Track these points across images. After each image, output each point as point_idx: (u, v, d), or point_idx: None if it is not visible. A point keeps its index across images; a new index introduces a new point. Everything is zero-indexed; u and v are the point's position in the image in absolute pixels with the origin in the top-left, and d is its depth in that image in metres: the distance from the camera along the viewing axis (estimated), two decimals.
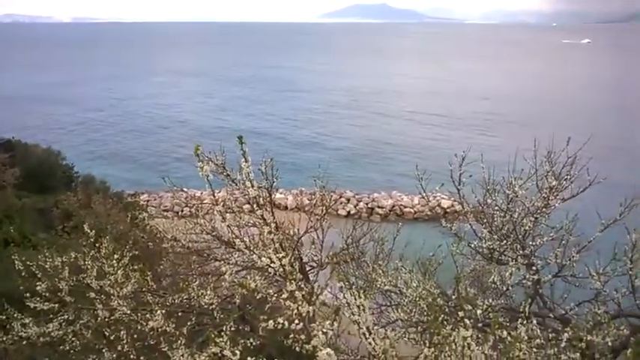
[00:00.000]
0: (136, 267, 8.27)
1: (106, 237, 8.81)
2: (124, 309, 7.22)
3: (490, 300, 7.27)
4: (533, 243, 7.83)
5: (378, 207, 41.74)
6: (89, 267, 7.97)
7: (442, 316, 4.90)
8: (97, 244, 8.31)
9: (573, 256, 7.57)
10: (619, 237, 6.88)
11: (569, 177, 7.68)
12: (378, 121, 77.30)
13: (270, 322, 3.98)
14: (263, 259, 4.60)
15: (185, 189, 10.21)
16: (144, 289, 8.13)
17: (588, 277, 7.21)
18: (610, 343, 6.72)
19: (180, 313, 7.75)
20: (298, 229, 9.40)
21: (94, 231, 8.58)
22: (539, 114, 77.85)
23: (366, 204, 42.07)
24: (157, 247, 11.74)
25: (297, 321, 3.88)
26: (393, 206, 41.57)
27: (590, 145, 8.96)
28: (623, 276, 6.88)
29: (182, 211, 37.62)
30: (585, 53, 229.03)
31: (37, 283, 7.78)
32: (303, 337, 3.91)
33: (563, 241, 7.72)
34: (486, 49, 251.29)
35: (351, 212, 40.69)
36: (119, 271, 7.70)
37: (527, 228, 7.82)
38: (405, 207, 41.17)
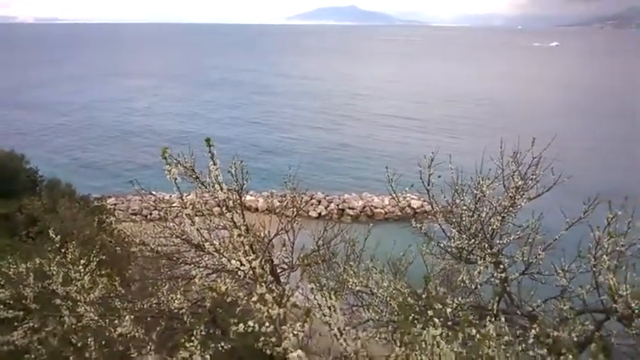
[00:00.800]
0: (103, 272, 8.14)
1: (72, 242, 8.64)
2: (92, 315, 7.09)
3: (459, 298, 7.36)
4: (501, 242, 7.96)
5: (349, 208, 41.85)
6: (55, 273, 7.81)
7: (413, 315, 4.94)
8: (62, 250, 8.14)
9: (539, 254, 7.72)
10: (583, 235, 7.04)
11: (534, 177, 7.83)
12: (345, 123, 77.58)
13: (241, 325, 3.95)
14: (233, 262, 4.57)
15: (154, 192, 10.06)
16: (112, 295, 8.00)
17: (554, 275, 7.36)
18: (576, 338, 6.88)
19: (149, 318, 7.66)
20: (269, 231, 9.37)
21: (59, 236, 8.40)
22: (508, 114, 79.45)
23: (337, 205, 42.13)
24: (125, 252, 11.56)
25: (267, 323, 3.86)
26: (364, 207, 41.73)
27: (554, 146, 9.15)
28: (587, 273, 7.03)
29: (151, 214, 37.10)
30: (554, 55, 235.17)
31: (0, 291, 7.57)
32: (274, 339, 3.90)
33: (530, 240, 7.86)
34: (462, 52, 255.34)
35: (322, 214, 40.68)
36: (86, 277, 7.57)
37: (494, 227, 7.94)
38: (376, 208, 41.38)
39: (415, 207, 39.04)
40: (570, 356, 6.10)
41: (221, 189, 5.09)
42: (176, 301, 7.82)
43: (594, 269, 6.76)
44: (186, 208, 4.76)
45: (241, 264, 4.57)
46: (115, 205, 39.52)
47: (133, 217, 36.66)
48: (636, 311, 5.89)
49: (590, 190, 8.22)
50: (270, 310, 3.84)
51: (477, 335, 4.15)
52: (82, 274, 7.56)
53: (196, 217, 5.21)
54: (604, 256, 6.57)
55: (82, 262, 7.72)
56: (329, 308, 4.02)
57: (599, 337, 6.96)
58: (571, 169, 9.05)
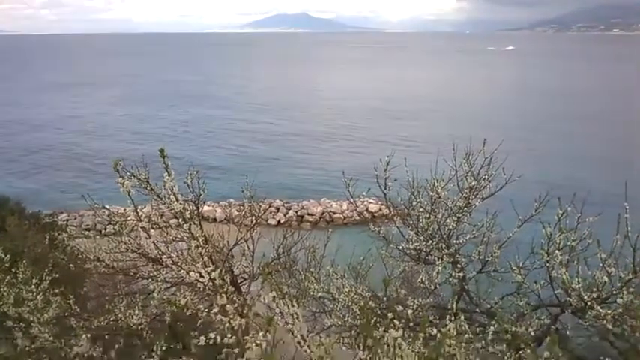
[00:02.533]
0: (57, 291, 7.88)
1: (22, 261, 8.33)
2: (46, 336, 6.86)
3: (420, 299, 7.45)
4: (457, 241, 8.11)
5: (308, 214, 41.85)
6: (5, 294, 7.50)
7: (374, 318, 4.98)
8: (13, 269, 7.84)
9: (495, 252, 7.91)
10: (536, 232, 7.24)
11: (487, 177, 8.01)
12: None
13: (202, 337, 3.90)
14: (192, 274, 4.50)
15: (107, 206, 9.80)
16: (67, 314, 7.76)
17: (510, 272, 7.55)
18: (533, 333, 7.07)
19: (107, 336, 7.44)
20: (228, 241, 9.28)
21: (9, 255, 8.08)
22: (467, 117, 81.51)
23: (296, 212, 42.07)
24: (80, 269, 11.21)
25: (229, 334, 3.82)
26: (323, 213, 41.81)
27: (505, 146, 9.40)
28: (541, 268, 7.24)
29: (105, 229, 36.06)
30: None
31: None
32: (236, 350, 3.86)
33: (485, 238, 8.05)
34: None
35: (281, 221, 40.54)
36: (39, 296, 7.31)
37: (450, 227, 8.08)
38: (335, 213, 41.52)
39: (373, 211, 39.34)
40: (528, 350, 6.27)
41: (176, 200, 5.01)
42: (134, 317, 7.65)
43: (547, 264, 6.96)
44: (141, 221, 4.67)
45: (200, 275, 4.51)
46: (68, 221, 38.38)
47: (87, 232, 35.56)
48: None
49: (540, 187, 8.48)
50: (231, 321, 3.80)
51: (438, 334, 4.21)
52: (35, 294, 7.30)
53: (153, 230, 5.11)
54: (556, 251, 6.78)
55: (34, 281, 7.46)
56: (291, 315, 4.01)
57: (555, 330, 7.18)
58: (522, 169, 9.32)
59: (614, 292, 6.31)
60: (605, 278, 6.31)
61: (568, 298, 6.68)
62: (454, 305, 6.07)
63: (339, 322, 7.86)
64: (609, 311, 6.18)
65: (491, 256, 7.96)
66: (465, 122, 74.24)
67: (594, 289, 6.34)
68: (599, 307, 6.25)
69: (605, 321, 6.20)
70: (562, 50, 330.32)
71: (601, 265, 6.36)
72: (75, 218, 39.93)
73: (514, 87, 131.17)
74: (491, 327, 6.07)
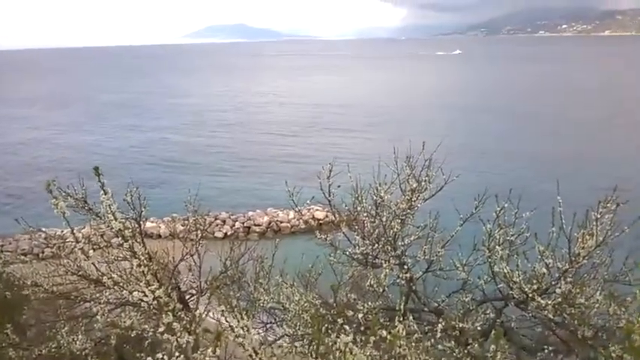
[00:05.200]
0: None
1: None
2: None
3: (370, 303, 7.52)
4: (403, 243, 8.24)
5: (255, 225, 41.57)
6: None
7: (326, 325, 4.98)
8: None
9: (439, 252, 8.09)
10: (477, 229, 7.46)
11: (427, 178, 8.19)
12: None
13: (149, 358, 3.79)
14: (135, 293, 4.37)
15: (44, 228, 9.39)
16: (4, 344, 7.37)
17: (454, 270, 7.75)
18: (480, 328, 7.28)
19: None
20: (173, 257, 9.07)
21: None
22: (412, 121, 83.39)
23: (243, 223, 41.70)
24: (17, 296, 10.68)
25: (177, 353, 3.73)
26: (270, 223, 41.63)
27: (444, 147, 9.66)
28: (484, 264, 7.46)
29: (43, 252, 34.74)
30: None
31: None
32: None
33: (429, 239, 8.21)
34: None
35: (228, 233, 40.07)
36: None
37: (395, 230, 8.20)
38: (282, 222, 41.42)
39: (320, 218, 39.49)
40: (476, 345, 6.45)
41: (115, 219, 4.86)
42: (78, 343, 7.36)
43: (489, 260, 7.19)
44: (79, 242, 4.50)
45: (144, 295, 4.39)
46: (2, 246, 36.60)
47: (23, 257, 34.03)
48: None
49: (479, 186, 8.75)
50: (179, 339, 3.71)
51: (388, 336, 4.26)
52: None
53: (93, 251, 4.94)
54: (497, 247, 7.01)
55: None
56: (242, 328, 3.96)
57: (500, 323, 7.41)
58: (462, 169, 9.60)
59: (553, 282, 6.59)
60: (544, 270, 6.57)
61: (511, 292, 6.91)
62: (402, 306, 6.15)
63: (291, 332, 7.83)
64: (550, 302, 6.44)
65: (436, 255, 8.13)
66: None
67: (534, 281, 6.59)
68: (539, 299, 6.50)
69: (546, 311, 6.45)
70: (506, 53, 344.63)
71: (539, 257, 6.63)
72: (10, 243, 38.16)
73: (469, 88, 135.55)
74: (439, 325, 6.20)
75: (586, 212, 6.36)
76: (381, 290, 7.73)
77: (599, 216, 6.30)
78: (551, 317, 6.53)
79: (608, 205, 6.39)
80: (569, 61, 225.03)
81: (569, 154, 60.27)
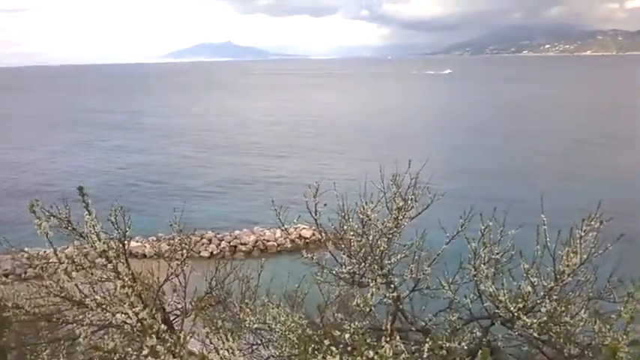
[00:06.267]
0: None
1: None
2: None
3: (357, 322, 7.46)
4: (390, 262, 8.21)
5: (241, 244, 41.37)
6: None
7: (312, 346, 4.94)
8: None
9: (426, 270, 8.08)
10: (462, 247, 7.48)
11: (413, 197, 8.21)
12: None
13: None
14: (118, 315, 4.31)
15: (27, 248, 9.28)
16: None
17: (441, 288, 7.74)
18: (466, 347, 7.25)
19: None
20: (158, 278, 8.98)
21: None
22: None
23: (229, 242, 41.49)
24: None
25: None
26: (256, 242, 41.45)
27: (430, 166, 9.72)
28: (470, 282, 7.47)
29: (26, 273, 34.25)
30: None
31: None
32: None
33: (416, 257, 8.21)
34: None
35: (214, 252, 39.84)
36: None
37: (382, 248, 8.18)
38: (268, 241, 41.27)
39: (307, 237, 39.39)
40: None
41: (99, 239, 4.80)
42: None
43: (475, 278, 7.19)
44: (62, 263, 4.44)
45: (128, 317, 4.32)
46: None
47: (5, 278, 33.50)
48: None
49: (465, 204, 8.79)
50: None
51: (375, 357, 4.23)
52: None
53: (76, 271, 4.87)
54: (482, 265, 7.03)
55: None
56: (227, 350, 3.91)
57: (487, 342, 7.39)
58: (448, 187, 9.65)
59: (539, 301, 6.60)
60: (529, 288, 6.59)
61: (497, 310, 6.91)
62: (389, 325, 6.12)
63: (277, 353, 7.75)
64: (535, 320, 6.45)
65: (423, 273, 8.12)
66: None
67: (520, 300, 6.60)
68: (525, 317, 6.51)
69: (532, 330, 6.45)
70: (496, 73, 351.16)
71: (525, 275, 6.65)
72: None
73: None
74: (427, 344, 6.17)
75: (570, 230, 6.42)
76: (368, 310, 7.69)
77: (582, 234, 6.36)
78: (537, 336, 6.53)
79: (592, 222, 6.45)
80: (558, 82, 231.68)
81: (555, 172, 61.14)
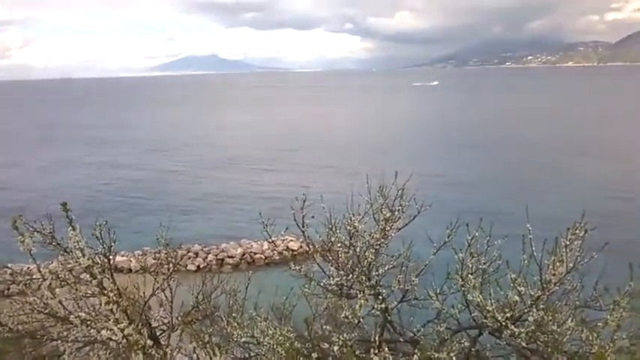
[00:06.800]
0: None
1: None
2: None
3: (345, 334, 7.43)
4: (377, 273, 8.21)
5: (228, 257, 41.08)
6: None
7: (301, 358, 4.91)
8: None
9: (413, 281, 8.09)
10: (450, 258, 7.49)
11: (400, 208, 8.23)
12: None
13: None
14: (103, 332, 4.24)
15: (10, 264, 9.13)
16: None
17: (429, 299, 7.74)
18: (455, 357, 7.23)
19: None
20: (144, 292, 8.89)
21: None
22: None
23: (216, 255, 41.17)
24: None
25: None
26: (244, 254, 41.20)
27: (417, 177, 9.74)
28: (457, 292, 7.47)
29: (8, 289, 33.59)
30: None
31: None
32: None
33: (404, 268, 8.22)
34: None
35: (201, 266, 39.50)
36: None
37: (370, 260, 8.18)
38: (256, 254, 41.04)
39: (294, 248, 39.28)
40: None
41: (83, 255, 4.75)
42: None
43: (463, 289, 7.20)
44: (45, 279, 4.37)
45: (113, 333, 4.26)
46: None
47: None
48: None
49: (452, 214, 8.82)
50: None
51: None
52: None
53: (61, 287, 4.80)
54: (469, 275, 7.04)
55: None
56: None
57: (476, 352, 7.40)
58: (433, 198, 9.68)
59: (526, 310, 6.63)
60: (517, 297, 6.62)
61: (484, 320, 6.92)
62: (377, 337, 6.10)
63: None
64: (523, 329, 6.47)
65: (411, 284, 8.13)
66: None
67: (507, 309, 6.63)
68: (513, 327, 6.53)
69: (520, 339, 6.47)
70: (483, 84, 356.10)
71: (512, 285, 6.68)
72: None
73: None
74: (415, 355, 6.15)
75: (555, 239, 6.46)
76: (357, 321, 7.66)
77: (568, 242, 6.40)
78: (525, 345, 6.55)
79: (577, 231, 6.50)
80: (545, 92, 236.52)
81: (540, 181, 61.79)
